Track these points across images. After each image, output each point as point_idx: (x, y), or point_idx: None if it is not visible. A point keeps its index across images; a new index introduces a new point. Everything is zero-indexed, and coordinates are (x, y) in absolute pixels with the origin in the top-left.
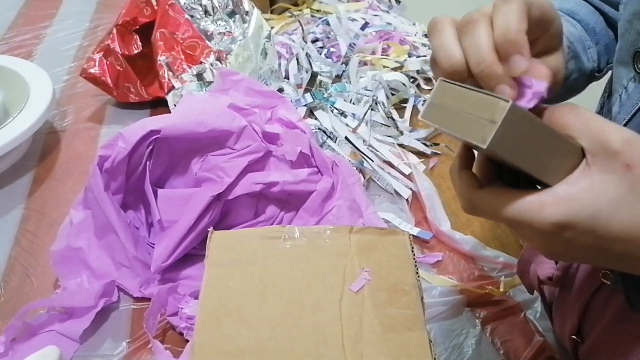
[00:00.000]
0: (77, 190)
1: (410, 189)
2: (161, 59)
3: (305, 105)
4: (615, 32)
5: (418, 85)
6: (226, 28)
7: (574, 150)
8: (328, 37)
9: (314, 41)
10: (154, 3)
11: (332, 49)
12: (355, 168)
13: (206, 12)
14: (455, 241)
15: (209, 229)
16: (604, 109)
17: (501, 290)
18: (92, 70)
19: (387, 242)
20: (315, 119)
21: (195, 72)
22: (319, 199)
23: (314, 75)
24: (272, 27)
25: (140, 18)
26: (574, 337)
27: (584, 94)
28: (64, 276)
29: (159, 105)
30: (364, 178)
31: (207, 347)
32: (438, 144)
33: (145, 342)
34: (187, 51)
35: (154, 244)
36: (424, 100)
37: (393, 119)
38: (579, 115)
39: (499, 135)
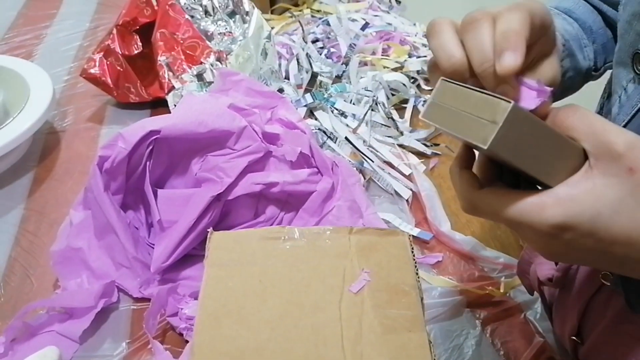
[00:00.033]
0: (77, 191)
1: (411, 190)
2: (161, 59)
3: (305, 106)
4: (614, 32)
5: (418, 86)
6: (226, 28)
7: (575, 151)
8: (328, 38)
9: (314, 41)
10: (154, 3)
11: (332, 50)
12: (355, 168)
13: (206, 12)
14: (456, 242)
15: (208, 230)
16: (604, 110)
17: (501, 291)
18: (92, 71)
19: (387, 243)
20: (316, 119)
21: (195, 73)
22: (319, 199)
23: (314, 76)
24: (272, 28)
25: (140, 18)
26: (574, 338)
27: (583, 94)
28: (64, 276)
29: (159, 105)
30: (364, 178)
31: (206, 348)
32: (438, 145)
33: (145, 342)
34: (188, 51)
35: (153, 245)
36: (424, 101)
37: (393, 120)
38: (583, 117)
39: (500, 135)
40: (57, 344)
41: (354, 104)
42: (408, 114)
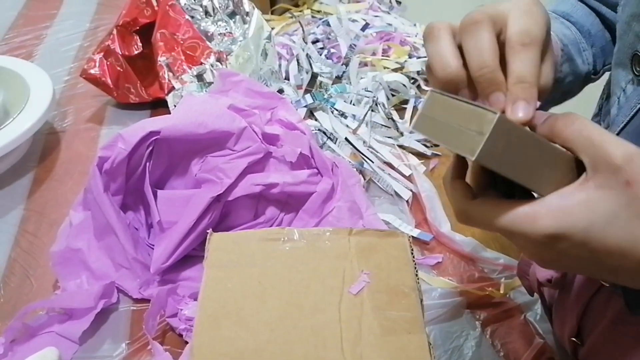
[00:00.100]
0: (77, 191)
1: (411, 190)
2: (161, 59)
3: (305, 106)
4: (612, 34)
5: (418, 86)
6: (226, 29)
7: (565, 159)
8: (328, 38)
9: (314, 42)
10: (155, 4)
11: (332, 50)
12: (355, 169)
13: (207, 12)
14: (456, 243)
15: (208, 231)
16: (602, 111)
17: (501, 292)
18: (92, 71)
19: (387, 244)
20: (316, 120)
21: (195, 73)
22: (318, 200)
23: (314, 76)
24: (272, 28)
25: (140, 19)
26: (573, 339)
27: (581, 95)
28: (64, 277)
29: (159, 106)
30: (364, 179)
31: (206, 349)
32: (438, 145)
33: (144, 343)
34: (188, 52)
35: (153, 245)
36: None
37: (393, 120)
38: (581, 129)
39: (487, 147)
40: (57, 344)
41: (354, 104)
42: (408, 114)
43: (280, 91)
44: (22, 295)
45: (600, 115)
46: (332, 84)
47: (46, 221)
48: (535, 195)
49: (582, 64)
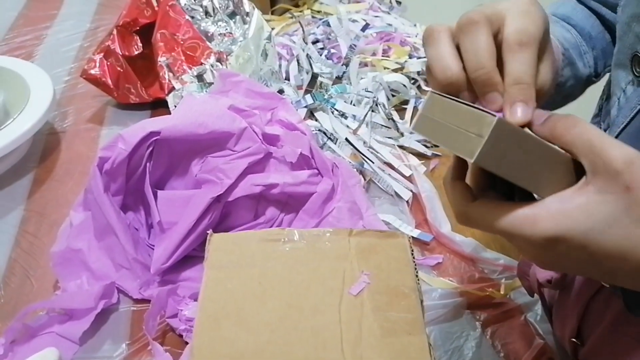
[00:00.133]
0: (77, 192)
1: (411, 191)
2: (162, 60)
3: (305, 107)
4: (612, 35)
5: (419, 87)
6: (227, 29)
7: (565, 160)
8: (329, 38)
9: (314, 42)
10: (155, 4)
11: (332, 50)
12: (355, 170)
13: (207, 13)
14: (456, 243)
15: (208, 231)
16: (602, 112)
17: (502, 292)
18: (92, 71)
19: (387, 245)
20: (316, 120)
21: (195, 73)
22: (319, 200)
23: (314, 77)
24: (272, 28)
25: (140, 19)
26: (574, 339)
27: (581, 95)
28: (64, 278)
29: (159, 106)
30: (365, 180)
31: (206, 350)
32: (438, 146)
33: (144, 344)
34: (188, 52)
35: (153, 246)
36: None
37: (393, 121)
38: (582, 133)
39: (486, 149)
40: (57, 345)
41: (354, 105)
42: (408, 115)
43: (281, 91)
44: (22, 295)
45: (600, 115)
46: (333, 85)
47: (46, 222)
48: (535, 196)
49: (583, 68)
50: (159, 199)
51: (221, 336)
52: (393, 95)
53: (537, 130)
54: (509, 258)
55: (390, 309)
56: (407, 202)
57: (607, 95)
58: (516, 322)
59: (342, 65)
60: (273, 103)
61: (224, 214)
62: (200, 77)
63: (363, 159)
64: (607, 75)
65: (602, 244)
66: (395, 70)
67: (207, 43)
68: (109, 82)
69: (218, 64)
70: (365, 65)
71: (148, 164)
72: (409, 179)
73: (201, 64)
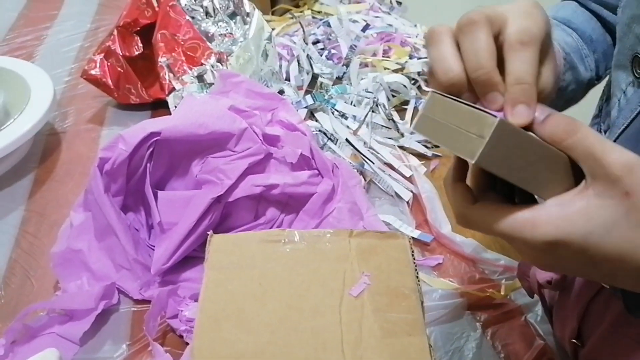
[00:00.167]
0: (77, 192)
1: (411, 191)
2: (162, 60)
3: (305, 107)
4: (613, 37)
5: (419, 87)
6: (227, 29)
7: (565, 162)
8: (329, 39)
9: (314, 43)
10: (155, 4)
11: (333, 51)
12: (355, 170)
13: (207, 13)
14: (456, 244)
15: (209, 232)
16: (602, 113)
17: (502, 293)
18: (93, 72)
19: (387, 246)
20: (316, 121)
21: (196, 74)
22: (319, 201)
23: (314, 77)
24: (273, 29)
25: (141, 19)
26: (574, 340)
27: None
28: (64, 278)
29: (159, 106)
30: (365, 180)
31: (206, 351)
32: (439, 146)
33: (145, 344)
34: (188, 52)
35: (154, 246)
36: None
37: (394, 121)
38: (582, 139)
39: (487, 150)
40: (57, 345)
41: (354, 105)
42: (409, 115)
43: (281, 92)
44: (22, 296)
45: (600, 116)
46: (333, 85)
47: (47, 222)
48: (536, 197)
49: (584, 71)
50: (160, 200)
51: (221, 337)
52: (393, 96)
53: (538, 131)
54: (510, 259)
55: (391, 310)
56: (408, 202)
57: (607, 96)
58: (516, 323)
59: (342, 65)
60: (273, 103)
61: (224, 215)
62: (200, 78)
63: (363, 159)
64: (607, 76)
65: (602, 248)
66: (395, 71)
67: (208, 43)
68: (110, 82)
69: (218, 64)
70: (366, 65)
71: (148, 165)
72: (410, 179)
73: (201, 64)
